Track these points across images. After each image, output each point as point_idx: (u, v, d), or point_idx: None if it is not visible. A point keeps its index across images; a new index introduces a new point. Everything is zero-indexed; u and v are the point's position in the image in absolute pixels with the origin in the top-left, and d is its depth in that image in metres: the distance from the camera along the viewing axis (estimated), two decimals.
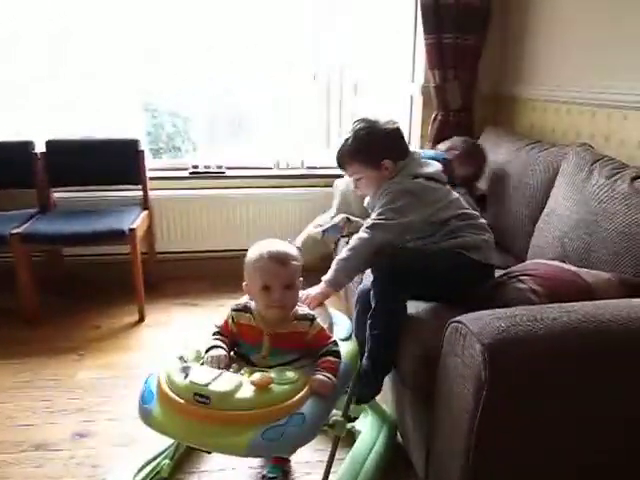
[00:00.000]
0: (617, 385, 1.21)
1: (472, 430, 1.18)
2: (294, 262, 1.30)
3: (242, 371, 1.24)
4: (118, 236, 2.51)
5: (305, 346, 1.32)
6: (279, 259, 1.28)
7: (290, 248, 1.33)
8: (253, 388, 1.14)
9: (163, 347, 2.32)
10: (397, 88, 3.21)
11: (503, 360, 1.14)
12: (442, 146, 2.51)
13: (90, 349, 2.36)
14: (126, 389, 2.03)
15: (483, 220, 1.74)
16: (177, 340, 2.28)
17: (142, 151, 2.81)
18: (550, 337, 1.15)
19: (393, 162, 1.67)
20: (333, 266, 1.61)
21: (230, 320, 1.34)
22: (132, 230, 2.52)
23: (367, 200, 1.80)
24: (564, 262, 1.66)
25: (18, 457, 1.71)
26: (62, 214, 2.74)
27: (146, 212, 2.83)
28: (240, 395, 1.13)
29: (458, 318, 1.25)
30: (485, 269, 1.65)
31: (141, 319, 2.62)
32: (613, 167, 1.76)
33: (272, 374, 1.19)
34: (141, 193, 2.86)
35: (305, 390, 1.18)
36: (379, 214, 1.62)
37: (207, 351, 1.28)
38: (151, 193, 2.89)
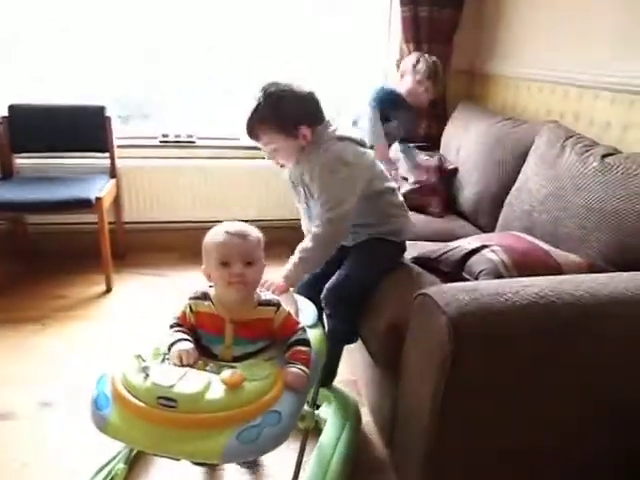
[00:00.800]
0: (579, 357, 1.24)
1: (437, 402, 1.20)
2: (254, 236, 1.20)
3: (208, 367, 1.13)
4: (84, 205, 2.44)
5: (271, 335, 1.23)
6: (237, 233, 1.18)
7: (249, 227, 1.23)
8: (223, 387, 1.05)
9: (129, 318, 2.30)
10: (371, 63, 3.16)
11: (467, 332, 1.15)
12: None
13: (55, 319, 2.31)
14: (90, 359, 2.00)
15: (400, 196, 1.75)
16: (142, 315, 2.29)
17: (109, 117, 2.73)
18: (513, 310, 1.17)
19: (310, 128, 1.54)
20: (294, 264, 1.50)
21: (188, 310, 1.22)
22: (99, 199, 2.46)
23: (288, 172, 1.67)
24: (536, 238, 1.69)
25: None
26: (25, 181, 2.65)
27: (114, 181, 2.76)
28: (210, 396, 1.03)
29: (425, 291, 1.26)
30: (404, 244, 1.76)
31: (108, 290, 2.58)
32: (585, 144, 1.78)
33: (241, 370, 1.10)
34: (109, 161, 2.78)
35: (278, 386, 1.10)
36: (326, 204, 1.51)
37: (171, 345, 1.15)
38: (119, 161, 2.82)
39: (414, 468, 1.34)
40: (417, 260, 1.76)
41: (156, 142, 3.00)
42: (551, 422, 1.29)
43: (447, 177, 2.48)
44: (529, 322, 1.18)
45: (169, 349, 1.15)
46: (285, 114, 1.50)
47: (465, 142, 2.49)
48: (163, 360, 1.13)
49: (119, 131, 2.89)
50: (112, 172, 2.79)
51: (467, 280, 1.55)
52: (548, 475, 1.37)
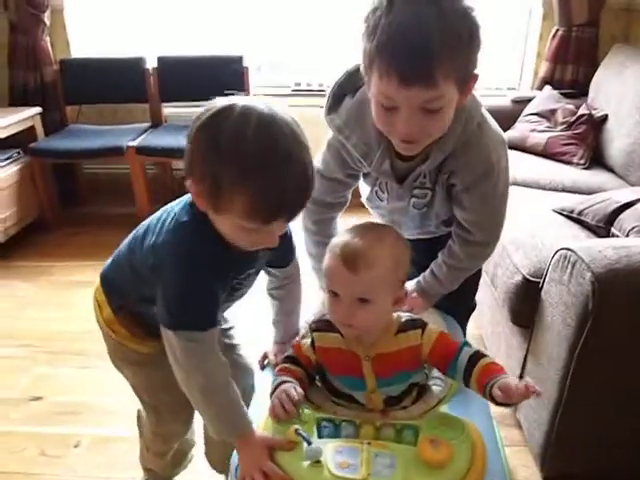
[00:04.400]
0: None
1: (571, 360, 1.17)
2: (372, 270, 0.84)
3: (362, 443, 0.82)
4: None
5: (421, 365, 0.94)
6: (350, 262, 0.84)
7: (378, 248, 0.87)
8: (421, 465, 0.77)
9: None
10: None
11: (613, 291, 1.10)
12: None
13: None
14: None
15: None
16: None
17: (246, 67, 2.83)
18: None
19: None
20: (438, 280, 1.13)
21: (308, 344, 0.96)
22: None
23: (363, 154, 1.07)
24: None
25: None
26: (173, 129, 2.85)
27: None
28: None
29: (568, 245, 1.20)
30: None
31: None
32: None
33: (430, 433, 0.81)
34: None
35: (479, 444, 0.81)
36: (491, 232, 1.10)
37: (272, 393, 0.90)
38: None
39: (540, 428, 1.32)
40: (560, 211, 1.66)
41: (288, 91, 3.07)
42: None
43: (595, 126, 2.29)
44: None
45: (271, 396, 0.90)
46: (478, 47, 0.85)
47: (619, 88, 2.27)
48: (320, 432, 0.85)
49: (254, 79, 2.99)
50: None
51: (616, 236, 1.45)
52: None
